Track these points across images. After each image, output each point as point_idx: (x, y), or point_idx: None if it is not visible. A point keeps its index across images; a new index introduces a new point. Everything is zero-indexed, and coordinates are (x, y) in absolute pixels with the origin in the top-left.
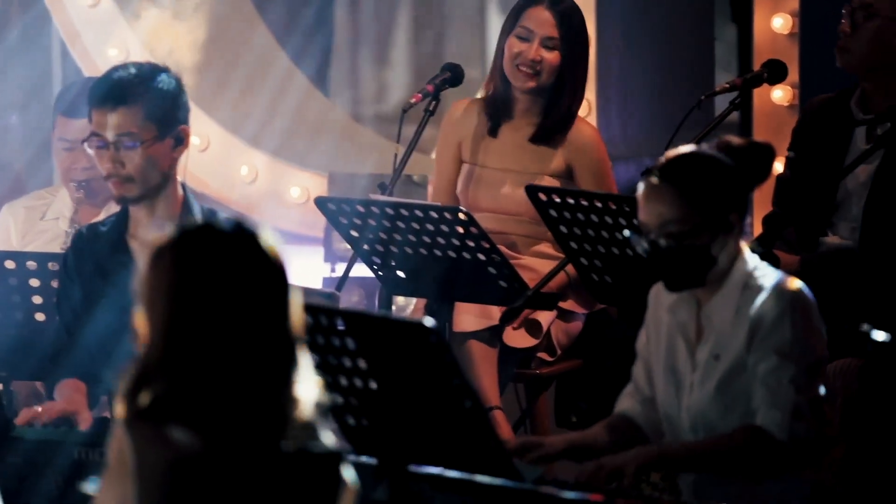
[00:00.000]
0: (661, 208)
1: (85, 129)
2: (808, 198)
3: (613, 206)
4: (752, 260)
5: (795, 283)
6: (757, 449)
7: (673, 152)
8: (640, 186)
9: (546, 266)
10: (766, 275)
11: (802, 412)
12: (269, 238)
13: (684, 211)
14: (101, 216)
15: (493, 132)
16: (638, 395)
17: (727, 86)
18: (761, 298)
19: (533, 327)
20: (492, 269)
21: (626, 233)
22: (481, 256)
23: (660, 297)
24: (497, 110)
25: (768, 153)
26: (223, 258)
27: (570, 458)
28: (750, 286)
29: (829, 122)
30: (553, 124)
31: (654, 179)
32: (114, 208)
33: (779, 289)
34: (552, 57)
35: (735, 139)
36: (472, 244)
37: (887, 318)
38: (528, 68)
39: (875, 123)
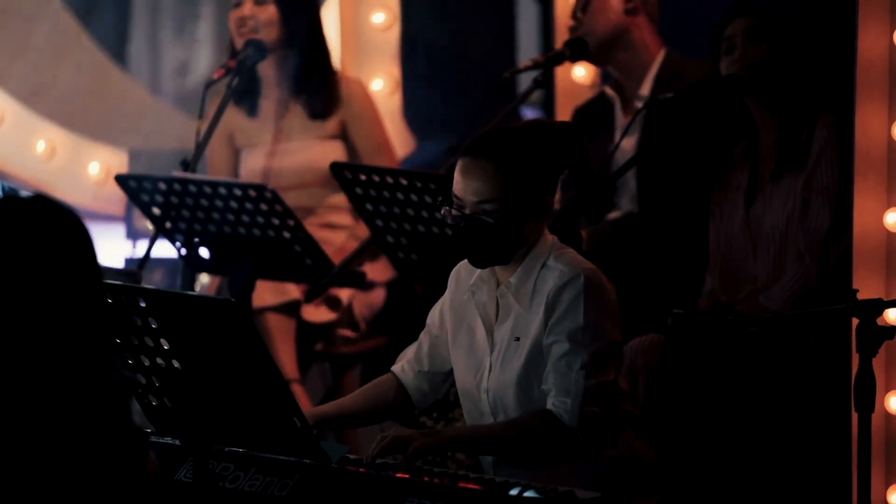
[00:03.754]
0: (478, 184)
1: None
2: (589, 181)
3: (419, 184)
4: (550, 239)
5: (590, 268)
6: (548, 433)
7: (490, 129)
8: (459, 161)
9: (339, 237)
10: (563, 255)
11: (593, 397)
12: (70, 211)
13: (502, 189)
14: None
15: (253, 111)
16: (416, 364)
17: (530, 63)
18: (557, 281)
19: (332, 302)
20: (297, 247)
21: (442, 208)
22: (286, 234)
23: (460, 279)
24: (246, 89)
25: (579, 135)
26: (22, 230)
27: (326, 428)
28: (548, 266)
29: (594, 112)
30: (313, 89)
31: (473, 155)
32: None
33: (573, 273)
34: (266, 12)
35: (548, 120)
36: (276, 222)
37: (672, 282)
38: (247, 29)
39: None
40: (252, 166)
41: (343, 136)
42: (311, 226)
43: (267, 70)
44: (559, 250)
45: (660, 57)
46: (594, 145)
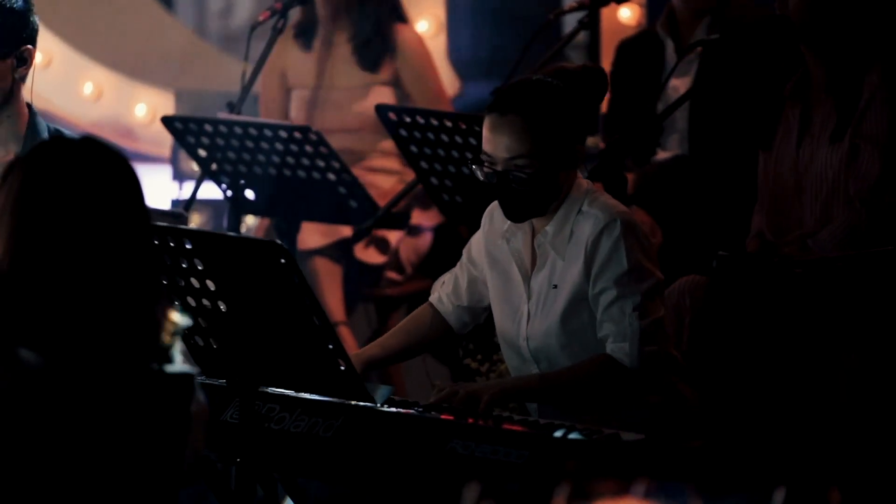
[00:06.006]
0: (508, 140)
1: None
2: (635, 123)
3: (463, 126)
4: (584, 185)
5: (623, 211)
6: (610, 378)
7: (513, 82)
8: (486, 118)
9: (387, 181)
10: (597, 200)
11: (650, 336)
12: (118, 153)
13: (533, 144)
14: None
15: (308, 47)
16: (454, 297)
17: (575, 5)
18: (593, 228)
19: (381, 244)
20: (342, 189)
21: (473, 166)
22: (331, 176)
23: (494, 222)
24: (305, 27)
25: (602, 76)
26: (71, 171)
27: (374, 369)
28: (583, 212)
29: (642, 51)
30: (370, 33)
31: (500, 111)
32: None
33: (609, 218)
34: None
35: (568, 65)
36: (321, 164)
37: (720, 223)
38: None
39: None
40: (301, 107)
41: (394, 83)
42: (360, 170)
43: (325, 12)
44: (593, 195)
45: None
46: (641, 85)
